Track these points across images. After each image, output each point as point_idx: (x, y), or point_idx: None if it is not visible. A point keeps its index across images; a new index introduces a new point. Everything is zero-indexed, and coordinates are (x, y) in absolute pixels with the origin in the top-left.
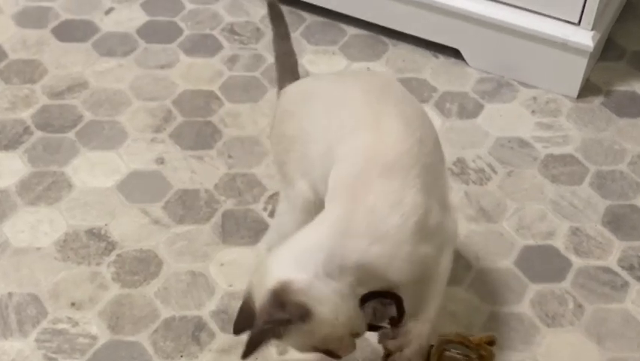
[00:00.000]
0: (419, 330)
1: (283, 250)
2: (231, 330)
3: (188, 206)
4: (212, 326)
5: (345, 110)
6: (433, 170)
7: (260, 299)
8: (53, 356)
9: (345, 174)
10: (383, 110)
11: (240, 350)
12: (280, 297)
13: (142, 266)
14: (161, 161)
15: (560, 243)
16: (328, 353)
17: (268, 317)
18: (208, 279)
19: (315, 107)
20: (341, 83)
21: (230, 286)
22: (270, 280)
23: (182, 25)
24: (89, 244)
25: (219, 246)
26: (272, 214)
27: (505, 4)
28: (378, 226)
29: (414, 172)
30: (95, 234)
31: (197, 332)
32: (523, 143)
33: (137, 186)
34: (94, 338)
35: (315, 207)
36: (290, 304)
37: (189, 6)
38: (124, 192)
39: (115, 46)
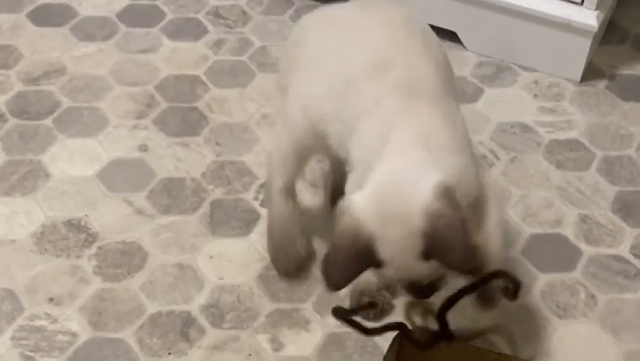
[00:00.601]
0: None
1: (381, 186)
2: (222, 325)
3: (173, 195)
4: (202, 321)
5: (370, 44)
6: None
7: (411, 227)
8: (31, 354)
9: (391, 105)
10: (410, 44)
11: (233, 345)
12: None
13: (125, 259)
14: (144, 148)
15: (568, 231)
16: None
17: (462, 232)
18: (197, 272)
19: (331, 35)
20: (361, 15)
21: (221, 279)
22: (417, 208)
23: (164, 8)
24: (68, 235)
25: (208, 237)
26: (264, 203)
27: None
28: (447, 145)
29: (450, 99)
30: (74, 225)
31: (185, 327)
32: (526, 128)
33: (119, 175)
34: (74, 335)
35: (311, 134)
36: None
37: None
38: (105, 182)
39: (94, 30)
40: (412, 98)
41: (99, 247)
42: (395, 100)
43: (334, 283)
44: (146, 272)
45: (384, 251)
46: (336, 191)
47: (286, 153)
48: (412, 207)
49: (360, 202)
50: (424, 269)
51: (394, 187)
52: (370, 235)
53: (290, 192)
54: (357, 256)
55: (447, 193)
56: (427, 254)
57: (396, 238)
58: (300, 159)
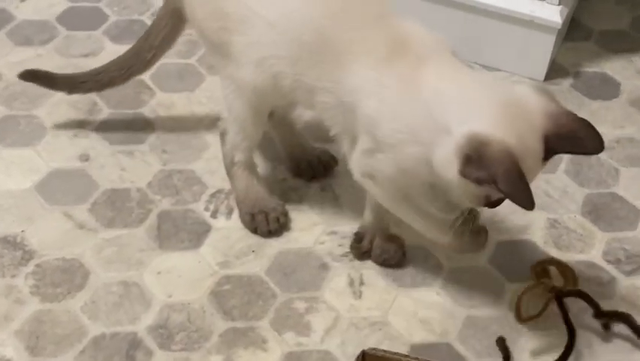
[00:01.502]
0: None
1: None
2: (171, 347)
3: (117, 207)
4: (149, 343)
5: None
6: None
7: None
8: None
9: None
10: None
11: None
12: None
13: (65, 277)
14: (85, 158)
15: (537, 237)
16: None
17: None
18: (143, 289)
19: None
20: None
21: (170, 296)
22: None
23: (107, 10)
24: (2, 253)
25: (155, 252)
26: (214, 214)
27: None
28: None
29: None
30: (9, 242)
31: (131, 350)
32: None
33: (59, 187)
34: None
35: (269, 91)
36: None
37: None
38: (44, 194)
39: (32, 34)
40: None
41: (37, 265)
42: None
43: (532, 202)
44: (88, 291)
45: (524, 161)
46: (298, 160)
47: (243, 119)
48: (538, 111)
49: (492, 128)
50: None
51: (511, 104)
52: (515, 150)
53: (251, 164)
54: (521, 171)
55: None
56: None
57: (531, 144)
58: (259, 121)
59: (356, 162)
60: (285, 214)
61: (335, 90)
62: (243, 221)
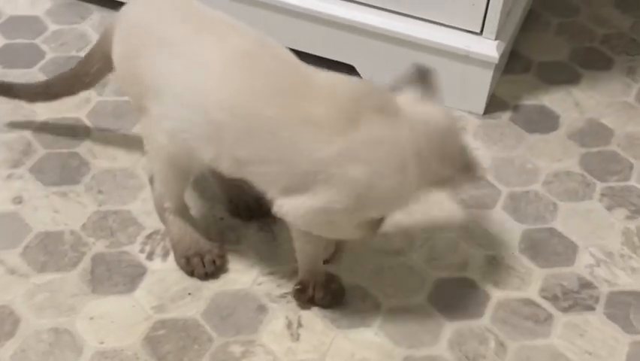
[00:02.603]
0: None
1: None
2: None
3: (50, 251)
4: None
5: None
6: None
7: None
8: None
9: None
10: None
11: None
12: None
13: None
14: (18, 200)
15: (475, 274)
16: None
17: None
18: (74, 336)
19: (173, 62)
20: (204, 42)
21: (102, 343)
22: None
23: (44, 47)
24: None
25: (88, 296)
26: (150, 256)
27: (400, 14)
28: None
29: None
30: None
31: None
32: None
33: None
34: None
35: (185, 158)
36: None
37: (53, 27)
38: None
39: None
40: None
41: None
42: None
43: None
44: (18, 340)
45: None
46: (236, 200)
47: (165, 175)
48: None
49: None
50: None
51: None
52: None
53: (183, 208)
54: None
55: None
56: None
57: None
58: (182, 178)
59: (299, 211)
60: (222, 256)
61: (285, 162)
62: (179, 264)
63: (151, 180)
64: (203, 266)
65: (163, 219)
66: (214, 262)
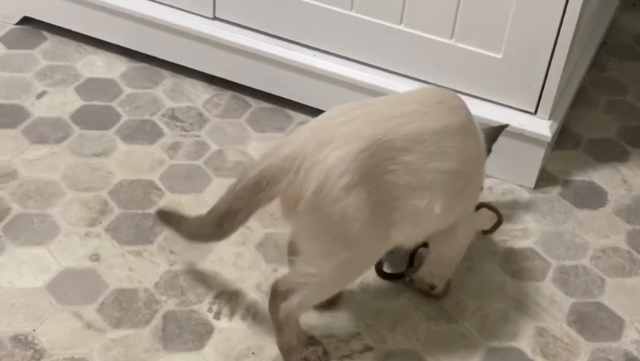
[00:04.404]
0: None
1: None
2: None
3: (125, 308)
4: None
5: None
6: None
7: None
8: None
9: None
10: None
11: None
12: None
13: None
14: (95, 258)
15: (525, 345)
16: None
17: None
18: None
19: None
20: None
21: None
22: None
23: (119, 110)
24: (13, 352)
25: (160, 352)
26: (218, 315)
27: (463, 93)
28: None
29: None
30: (21, 341)
31: None
32: (480, 236)
33: (69, 286)
34: None
35: None
36: None
37: (127, 90)
38: (55, 293)
39: (47, 132)
40: None
41: None
42: None
43: None
44: None
45: None
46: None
47: (344, 282)
48: None
49: None
50: None
51: None
52: None
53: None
54: None
55: None
56: None
57: None
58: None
59: None
60: (326, 353)
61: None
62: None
63: (288, 291)
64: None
65: (280, 328)
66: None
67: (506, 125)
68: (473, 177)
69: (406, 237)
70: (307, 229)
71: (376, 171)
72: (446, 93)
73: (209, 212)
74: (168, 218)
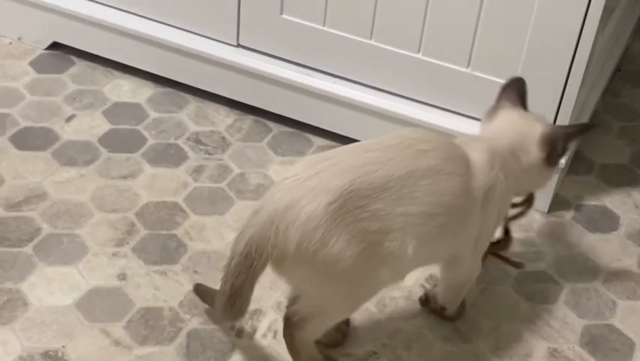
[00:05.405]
0: None
1: None
2: None
3: (151, 326)
4: None
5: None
6: None
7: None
8: None
9: None
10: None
11: None
12: None
13: None
14: (123, 277)
15: None
16: None
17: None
18: None
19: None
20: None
21: None
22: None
23: (145, 133)
24: None
25: None
26: (240, 334)
27: (474, 118)
28: None
29: None
30: (51, 357)
31: None
32: (494, 259)
33: (98, 304)
34: None
35: None
36: None
37: (153, 114)
38: (83, 311)
39: (76, 155)
40: None
41: None
42: None
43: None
44: None
45: None
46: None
47: (352, 309)
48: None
49: None
50: None
51: None
52: None
53: None
54: None
55: None
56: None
57: None
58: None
59: None
60: None
61: None
62: None
63: (302, 321)
64: None
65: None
66: None
67: (591, 125)
68: (460, 214)
69: (397, 273)
70: (300, 279)
71: (348, 220)
72: (418, 136)
73: (218, 298)
74: (204, 294)
